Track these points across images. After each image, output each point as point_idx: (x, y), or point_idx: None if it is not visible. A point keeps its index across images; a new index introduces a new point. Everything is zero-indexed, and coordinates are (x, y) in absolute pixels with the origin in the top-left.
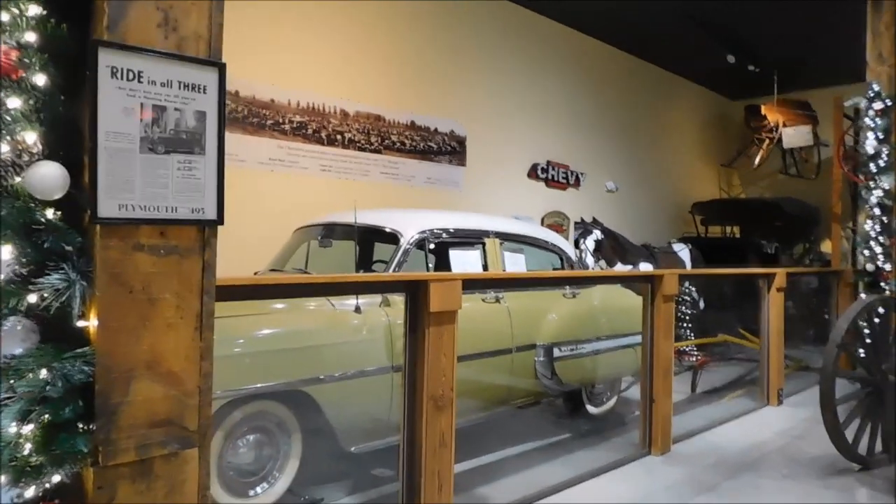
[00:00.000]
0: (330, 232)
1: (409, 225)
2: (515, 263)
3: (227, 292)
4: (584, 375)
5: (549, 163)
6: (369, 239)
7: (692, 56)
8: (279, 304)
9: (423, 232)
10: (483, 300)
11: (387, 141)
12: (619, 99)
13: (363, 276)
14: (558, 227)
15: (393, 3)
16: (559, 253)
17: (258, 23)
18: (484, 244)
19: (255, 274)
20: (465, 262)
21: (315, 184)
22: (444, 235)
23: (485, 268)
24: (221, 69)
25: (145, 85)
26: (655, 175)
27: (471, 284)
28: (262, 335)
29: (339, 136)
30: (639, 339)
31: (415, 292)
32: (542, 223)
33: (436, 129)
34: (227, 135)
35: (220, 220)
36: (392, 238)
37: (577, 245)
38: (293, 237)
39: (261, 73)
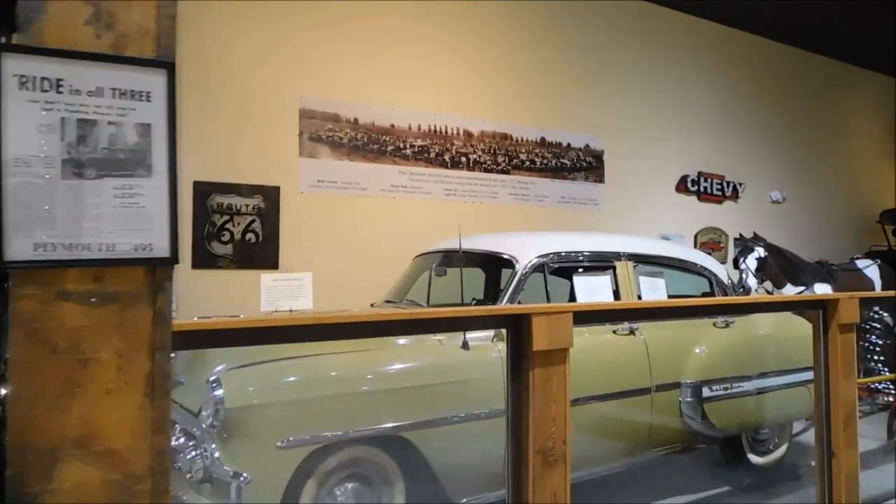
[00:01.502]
0: (448, 259)
1: (527, 249)
2: (653, 289)
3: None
4: (743, 419)
5: (700, 174)
6: (488, 266)
7: (867, 39)
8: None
9: (543, 256)
10: (614, 332)
11: (515, 160)
12: (781, 97)
13: (431, 311)
14: (715, 245)
15: (513, 13)
16: (708, 276)
17: (375, 48)
18: (615, 268)
19: (372, 305)
20: (591, 289)
21: (440, 208)
22: (568, 259)
23: (616, 295)
24: (170, 70)
25: (67, 95)
26: (831, 181)
27: (586, 317)
28: (355, 375)
29: (463, 158)
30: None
31: (516, 328)
32: (696, 242)
33: (569, 145)
34: (348, 163)
35: (174, 257)
36: (507, 264)
37: (736, 265)
38: (412, 265)
39: (379, 99)
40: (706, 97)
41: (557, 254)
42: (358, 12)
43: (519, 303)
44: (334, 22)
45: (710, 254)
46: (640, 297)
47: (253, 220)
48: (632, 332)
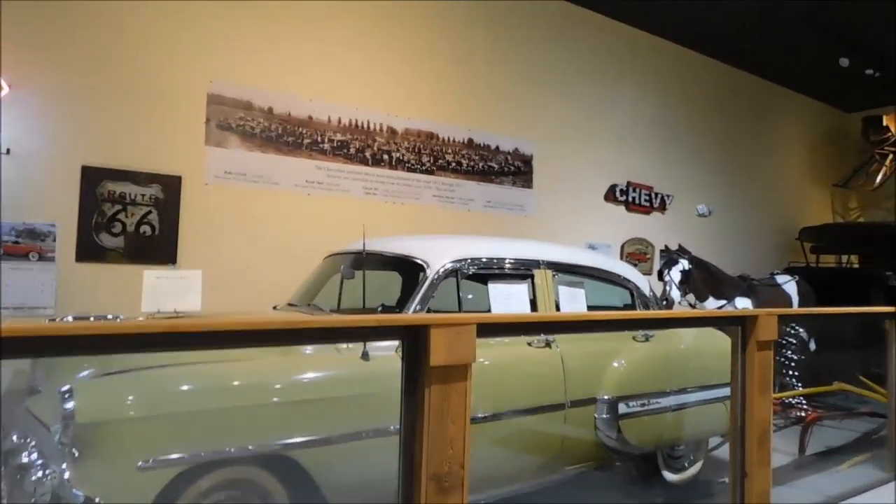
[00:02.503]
0: (358, 262)
1: (440, 253)
2: (572, 300)
3: None
4: (660, 435)
5: (629, 184)
6: (402, 270)
7: (797, 63)
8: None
9: (457, 262)
10: (529, 344)
11: (441, 161)
12: (712, 113)
13: (309, 320)
14: (641, 256)
15: (446, 8)
16: (630, 287)
17: (294, 35)
18: (533, 276)
19: (274, 308)
20: (507, 297)
21: (359, 208)
22: (484, 266)
23: (533, 304)
24: None
25: None
26: (756, 197)
27: (492, 329)
28: (236, 386)
29: (385, 156)
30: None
31: (412, 340)
32: (622, 252)
33: (497, 148)
34: (259, 155)
35: None
36: (418, 269)
37: (661, 276)
38: (321, 266)
39: (297, 88)
40: (639, 107)
41: (473, 259)
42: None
43: (429, 311)
44: (254, 7)
45: (635, 265)
46: (558, 308)
47: (149, 212)
48: (548, 344)
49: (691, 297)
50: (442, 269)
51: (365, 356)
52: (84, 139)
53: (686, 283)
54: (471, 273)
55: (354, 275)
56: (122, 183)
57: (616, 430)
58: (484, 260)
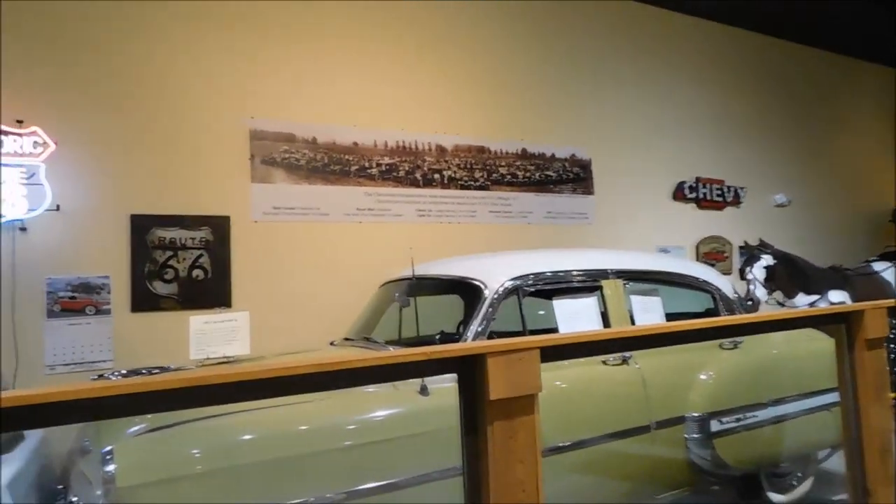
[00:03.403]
0: (414, 287)
1: (497, 271)
2: (647, 310)
3: None
4: (760, 453)
5: (698, 180)
6: (459, 293)
7: (867, 29)
8: None
9: (517, 279)
10: (604, 362)
11: (494, 174)
12: (780, 95)
13: (344, 360)
14: (718, 256)
15: (484, 16)
16: (711, 291)
17: (333, 63)
18: (601, 288)
19: (331, 344)
20: (574, 314)
21: (413, 231)
22: (547, 281)
23: (604, 318)
24: None
25: None
26: (838, 180)
27: (558, 352)
28: (283, 435)
29: (436, 175)
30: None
31: (467, 373)
32: (698, 253)
33: (552, 156)
34: (306, 187)
35: None
36: (476, 290)
37: (742, 275)
38: (377, 295)
39: (340, 116)
40: (700, 98)
41: (534, 275)
42: (313, 28)
43: (491, 336)
44: (287, 39)
45: (713, 265)
46: (632, 320)
47: (200, 255)
48: (624, 361)
49: (779, 295)
50: (501, 289)
51: (423, 391)
52: (131, 188)
53: (771, 280)
54: (533, 290)
55: (409, 302)
56: (172, 228)
57: (710, 451)
58: (546, 275)
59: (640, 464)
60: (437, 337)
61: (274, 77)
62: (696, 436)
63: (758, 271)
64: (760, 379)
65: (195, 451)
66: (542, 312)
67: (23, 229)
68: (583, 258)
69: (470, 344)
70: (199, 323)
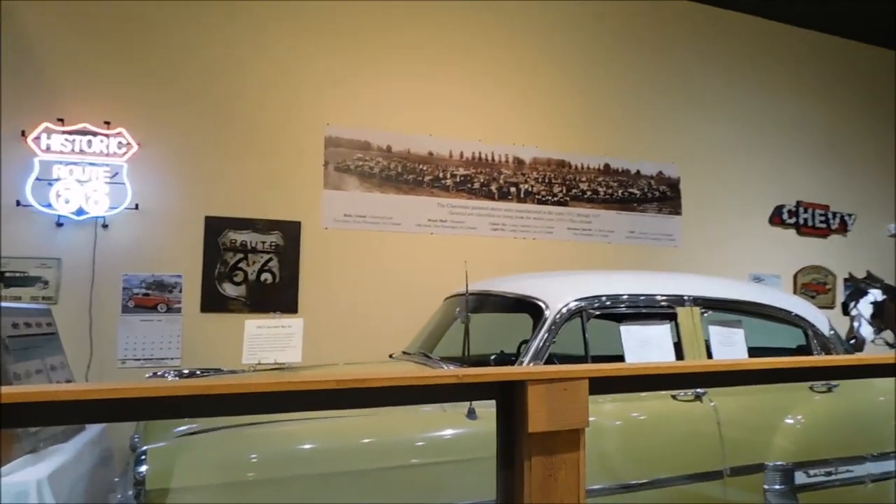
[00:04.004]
0: (478, 303)
1: (560, 291)
2: (727, 342)
3: None
4: None
5: (799, 204)
6: (519, 312)
7: None
8: None
9: (582, 300)
10: (674, 397)
11: (574, 190)
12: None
13: (365, 379)
14: (819, 287)
15: (569, 27)
16: (803, 326)
17: (410, 72)
18: (676, 315)
19: (390, 357)
20: (644, 342)
21: (486, 246)
22: (616, 304)
23: (678, 348)
24: None
25: None
26: None
27: (610, 384)
28: (321, 451)
29: (512, 189)
30: None
31: (506, 400)
32: (796, 283)
33: (637, 172)
34: (379, 196)
35: None
36: (537, 310)
37: (846, 311)
38: (441, 309)
39: (416, 125)
40: (805, 115)
41: (601, 297)
42: (393, 37)
43: (550, 360)
44: (366, 47)
45: (813, 297)
46: (709, 353)
47: (270, 259)
48: (697, 397)
49: (889, 335)
50: (564, 310)
51: (471, 414)
52: (206, 190)
53: (879, 316)
54: (599, 314)
55: (469, 318)
56: (244, 231)
57: None
58: (616, 297)
59: None
60: (493, 357)
61: (352, 84)
62: (777, 487)
63: (864, 307)
64: (859, 428)
65: (230, 460)
66: (609, 339)
67: (104, 226)
68: (658, 282)
69: (508, 369)
70: (254, 327)
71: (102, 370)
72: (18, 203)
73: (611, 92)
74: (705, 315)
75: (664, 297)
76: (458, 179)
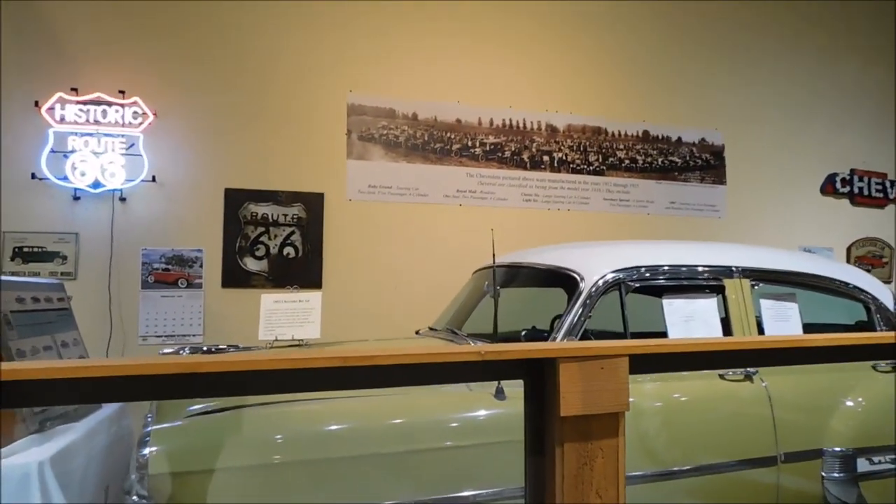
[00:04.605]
0: (509, 276)
1: (597, 263)
2: (780, 317)
3: None
4: None
5: (854, 172)
6: (552, 285)
7: None
8: None
9: (620, 272)
10: (722, 376)
11: (611, 158)
12: None
13: (376, 354)
14: (875, 261)
15: None
16: (865, 300)
17: (436, 35)
18: (723, 288)
19: (417, 333)
20: (688, 317)
21: (517, 217)
22: (657, 276)
23: (725, 324)
24: None
25: None
26: None
27: (652, 362)
28: (333, 432)
29: (545, 157)
30: None
31: (535, 380)
32: (849, 255)
33: (679, 139)
34: (405, 166)
35: None
36: (571, 283)
37: None
38: (470, 283)
39: (443, 91)
40: (867, 75)
41: (641, 269)
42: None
43: (585, 335)
44: (388, 9)
45: (869, 270)
46: (761, 328)
47: (292, 232)
48: (748, 377)
49: None
50: (600, 283)
51: (499, 394)
52: (226, 161)
53: None
54: (639, 286)
55: (499, 292)
56: (265, 204)
57: (855, 496)
58: (657, 269)
59: (761, 502)
60: (523, 334)
61: (375, 49)
62: (836, 475)
63: None
64: None
65: (244, 442)
66: (650, 313)
67: (122, 199)
68: (702, 252)
69: (536, 345)
70: (271, 302)
71: (123, 347)
72: (34, 176)
73: (651, 53)
74: (756, 288)
75: (710, 269)
76: (487, 148)
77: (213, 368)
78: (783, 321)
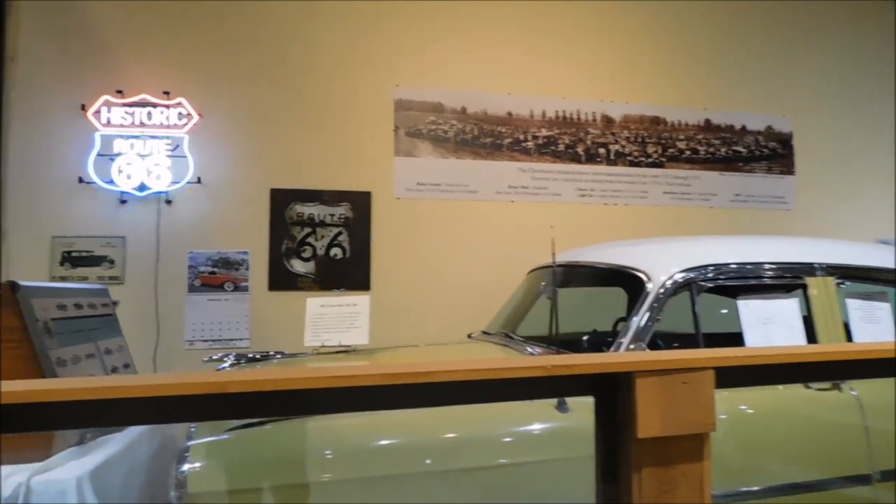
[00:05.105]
0: (567, 276)
1: (664, 261)
2: (871, 318)
3: None
4: None
5: None
6: (614, 285)
7: None
8: None
9: (691, 271)
10: (807, 385)
11: (671, 150)
12: None
13: (423, 370)
14: None
15: None
16: None
17: (485, 26)
18: (805, 287)
19: (469, 337)
20: (766, 320)
21: (573, 213)
22: (731, 275)
23: (808, 326)
24: None
25: None
26: None
27: (741, 374)
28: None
29: (601, 150)
30: None
31: (607, 396)
32: None
33: (743, 128)
34: (454, 162)
35: None
36: (637, 283)
37: None
38: (525, 283)
39: (493, 83)
40: None
41: (714, 267)
42: None
43: (654, 344)
44: (435, 3)
45: None
46: (847, 332)
47: (339, 233)
48: (836, 385)
49: None
50: (669, 283)
51: (561, 406)
52: (271, 161)
53: None
54: (712, 286)
55: (556, 293)
56: (310, 204)
57: None
58: (731, 267)
59: None
60: (585, 339)
61: (421, 41)
62: None
63: None
64: None
65: (288, 458)
66: (723, 314)
67: (168, 202)
68: (779, 247)
69: (608, 357)
70: (317, 306)
71: (170, 352)
72: (81, 180)
73: (711, 35)
74: (840, 286)
75: (790, 266)
76: (540, 141)
77: (241, 388)
78: (873, 323)
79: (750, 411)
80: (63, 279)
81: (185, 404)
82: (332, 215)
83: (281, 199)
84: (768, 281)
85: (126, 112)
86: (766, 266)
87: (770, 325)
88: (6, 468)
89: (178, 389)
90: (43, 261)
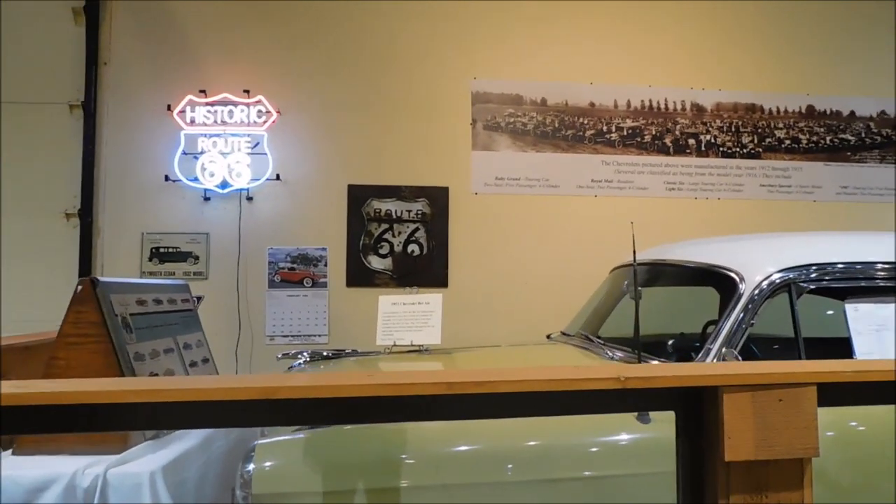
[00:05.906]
0: (652, 275)
1: (760, 260)
2: None
3: None
4: None
5: None
6: (705, 286)
7: None
8: None
9: (789, 271)
10: None
11: (768, 139)
12: None
13: (480, 379)
14: None
15: None
16: None
17: (564, 13)
18: None
19: (548, 337)
20: (879, 325)
21: (660, 207)
22: (834, 276)
23: None
24: None
25: None
26: None
27: (848, 391)
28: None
29: (691, 141)
30: None
31: (691, 414)
32: None
33: (851, 113)
34: (534, 155)
35: None
36: (728, 284)
37: None
38: (608, 281)
39: (574, 73)
40: None
41: (815, 267)
42: None
43: (748, 349)
44: None
45: None
46: None
47: (416, 229)
48: None
49: None
50: (765, 284)
51: (642, 417)
52: (348, 157)
53: None
54: (814, 288)
55: (640, 294)
56: (388, 200)
57: None
58: (835, 267)
59: None
60: (671, 343)
61: (498, 30)
62: None
63: None
64: None
65: (357, 461)
66: (826, 318)
67: (249, 198)
68: (891, 245)
69: (691, 368)
70: (388, 304)
71: (252, 347)
72: (167, 178)
73: (811, 12)
74: None
75: None
76: (625, 133)
77: (289, 395)
78: None
79: (861, 428)
80: (151, 275)
81: (232, 410)
82: (410, 211)
83: (358, 195)
84: (881, 283)
85: (208, 111)
86: (879, 266)
87: (883, 332)
88: (84, 459)
89: (225, 395)
90: (134, 256)
